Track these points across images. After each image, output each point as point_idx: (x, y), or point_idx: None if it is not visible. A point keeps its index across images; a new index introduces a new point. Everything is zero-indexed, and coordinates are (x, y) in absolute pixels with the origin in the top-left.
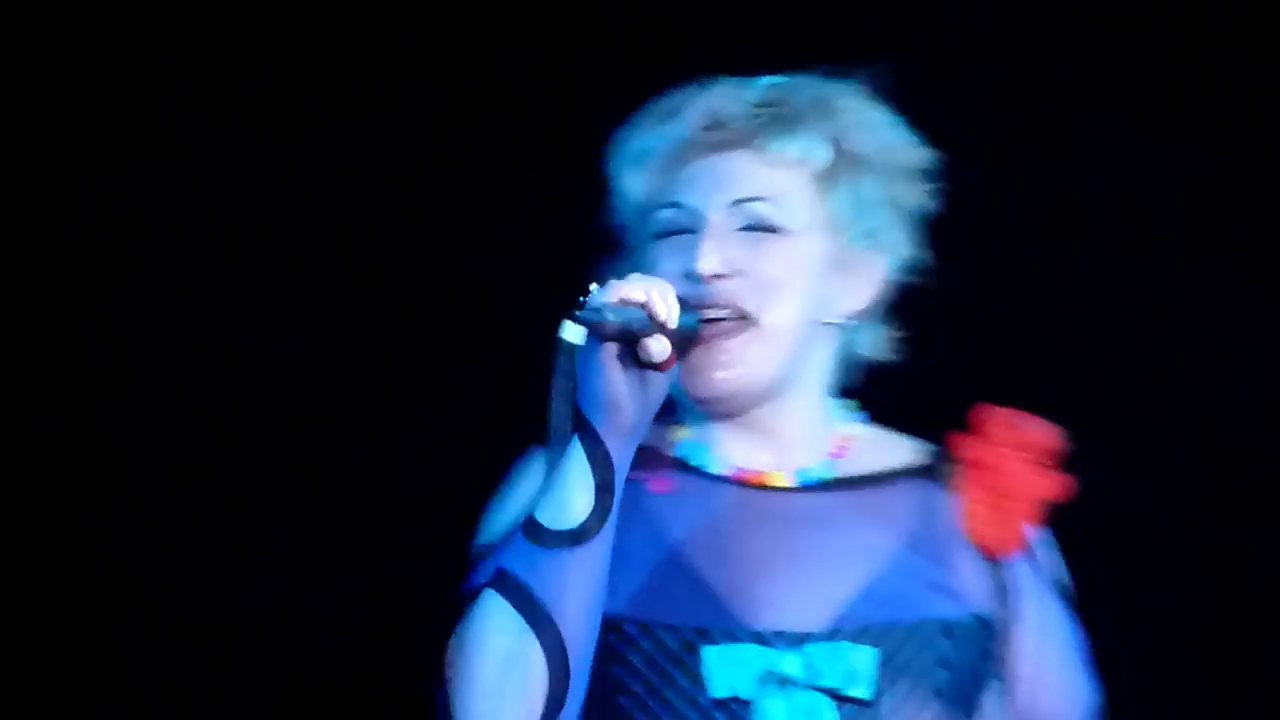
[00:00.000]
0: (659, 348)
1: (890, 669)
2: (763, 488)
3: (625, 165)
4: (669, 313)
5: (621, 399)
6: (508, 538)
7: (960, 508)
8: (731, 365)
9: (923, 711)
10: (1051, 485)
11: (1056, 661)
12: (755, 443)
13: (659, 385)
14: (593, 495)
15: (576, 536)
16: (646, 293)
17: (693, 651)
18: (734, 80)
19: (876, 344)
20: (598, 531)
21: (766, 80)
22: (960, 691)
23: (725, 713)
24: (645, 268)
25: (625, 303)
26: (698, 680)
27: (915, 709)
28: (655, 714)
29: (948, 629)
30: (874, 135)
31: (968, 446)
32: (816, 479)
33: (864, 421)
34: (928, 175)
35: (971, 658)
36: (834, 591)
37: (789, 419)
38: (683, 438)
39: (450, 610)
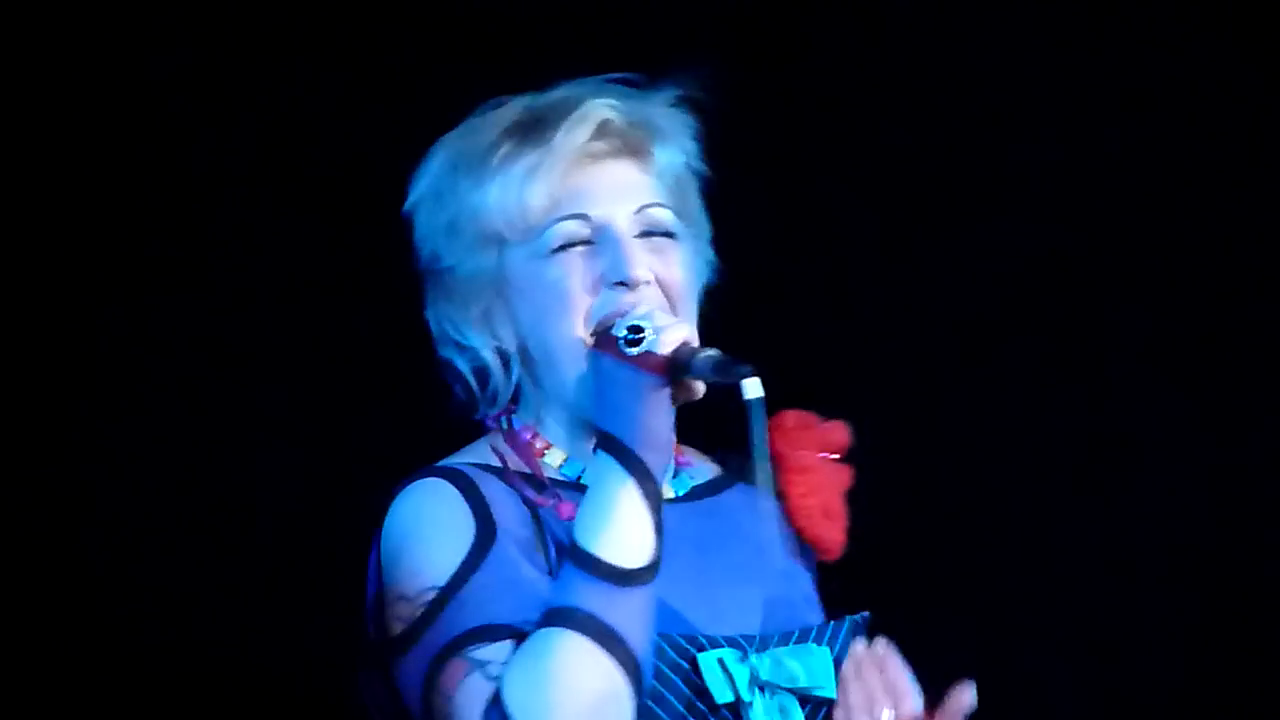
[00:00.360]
0: (753, 383)
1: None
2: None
3: (497, 180)
4: (703, 350)
5: (666, 435)
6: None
7: (796, 513)
8: None
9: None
10: (848, 478)
11: None
12: None
13: (673, 415)
14: (653, 530)
15: (648, 574)
16: (691, 332)
17: (686, 658)
18: (582, 86)
19: None
20: (660, 562)
21: (614, 86)
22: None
23: (719, 718)
24: (545, 282)
25: (685, 342)
26: (691, 686)
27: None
28: None
29: (858, 626)
30: (693, 141)
31: (781, 445)
32: (690, 486)
33: None
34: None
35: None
36: (755, 595)
37: None
38: (560, 459)
39: (435, 649)
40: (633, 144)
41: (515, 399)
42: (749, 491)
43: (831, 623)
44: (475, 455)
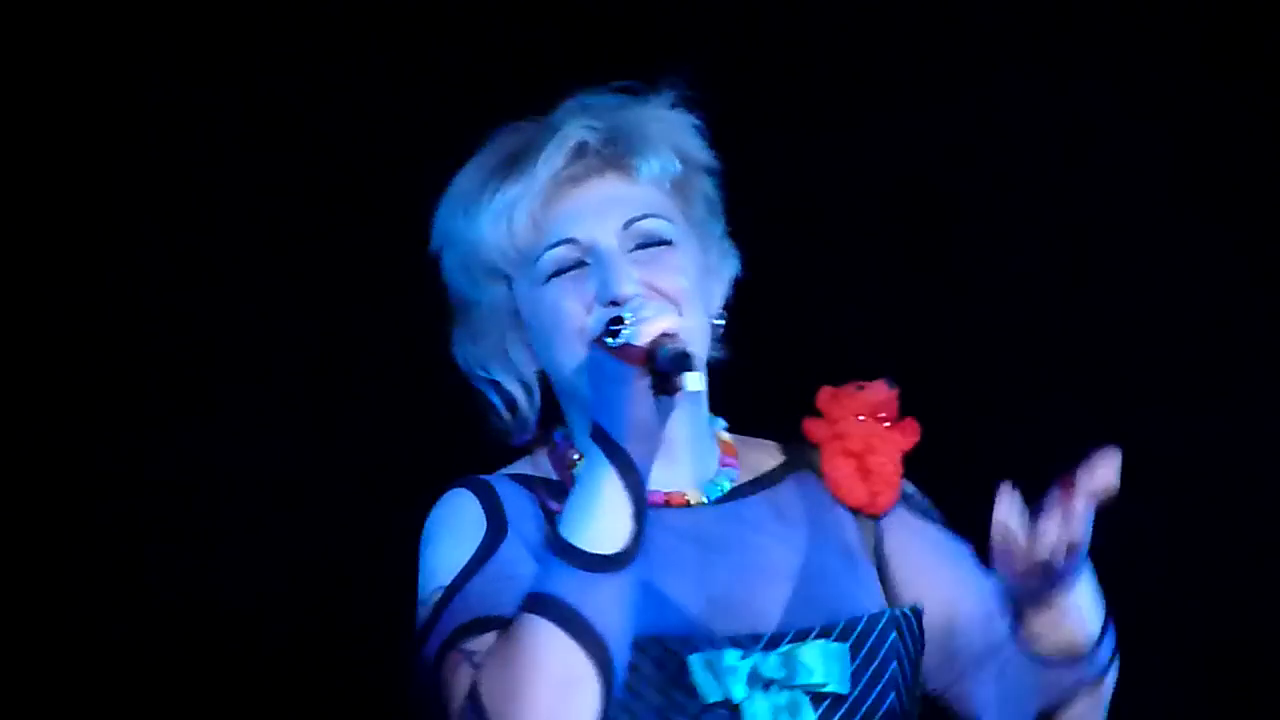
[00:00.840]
0: (694, 378)
1: (858, 663)
2: (681, 506)
3: (489, 218)
4: (687, 345)
5: (652, 425)
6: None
7: (829, 481)
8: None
9: (884, 702)
10: (902, 435)
11: (958, 576)
12: (658, 461)
13: (668, 411)
14: (631, 519)
15: (621, 560)
16: (679, 326)
17: (679, 660)
18: (566, 109)
19: (715, 345)
20: (636, 554)
21: (585, 101)
22: (909, 681)
23: (714, 717)
24: (544, 309)
25: (667, 335)
26: (686, 687)
27: (878, 700)
28: None
29: (895, 621)
30: (697, 141)
31: (818, 426)
32: (721, 491)
33: (725, 429)
34: (716, 174)
35: (916, 647)
36: (780, 594)
37: (686, 431)
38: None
39: (437, 646)
40: (615, 159)
41: (561, 415)
42: (805, 480)
43: (862, 618)
44: (514, 467)
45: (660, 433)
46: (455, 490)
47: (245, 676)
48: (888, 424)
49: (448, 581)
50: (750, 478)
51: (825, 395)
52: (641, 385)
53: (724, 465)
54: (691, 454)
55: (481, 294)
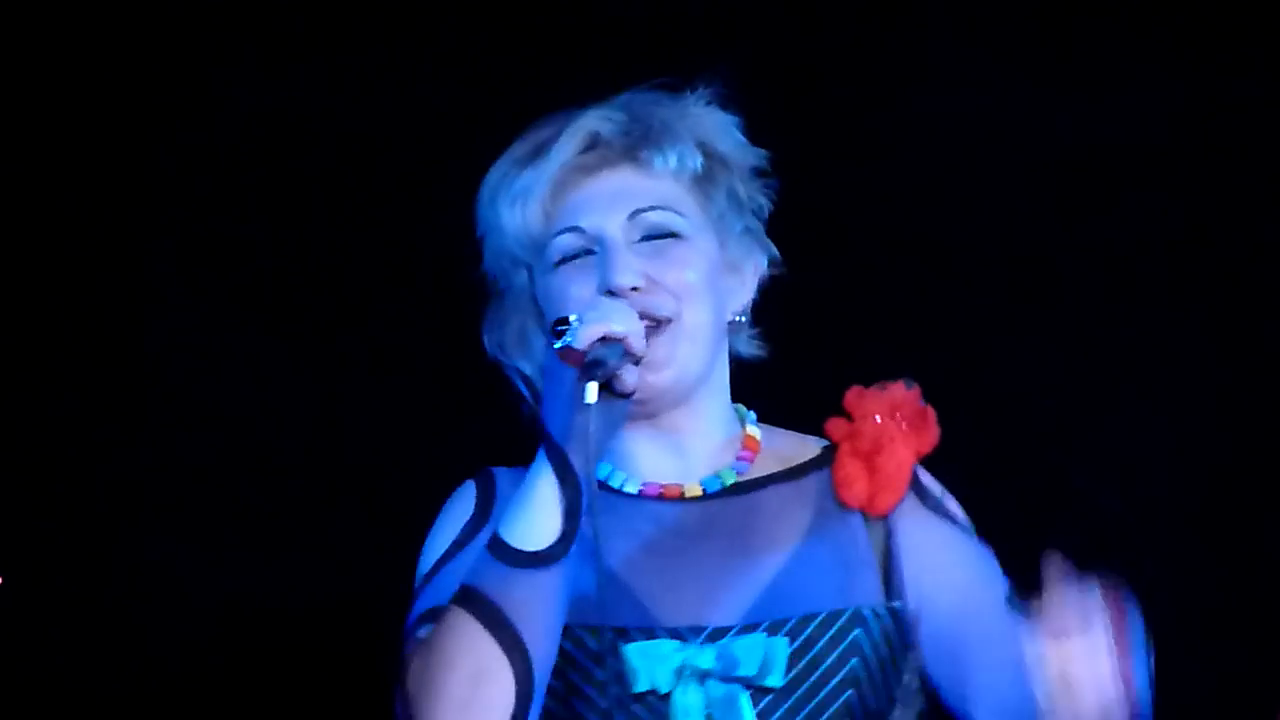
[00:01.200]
0: (633, 379)
1: (803, 659)
2: (676, 499)
3: (506, 205)
4: (643, 345)
5: (594, 426)
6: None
7: (835, 480)
8: (664, 365)
9: (838, 699)
10: (920, 437)
11: (969, 577)
12: (665, 453)
13: (620, 411)
14: (561, 519)
15: (545, 558)
16: (626, 328)
17: (613, 650)
18: (591, 106)
19: (750, 342)
20: (565, 553)
21: (623, 98)
22: (877, 678)
23: (644, 706)
24: (552, 295)
25: (609, 339)
26: (619, 676)
27: (830, 696)
28: (577, 710)
29: (859, 618)
30: (730, 137)
31: (838, 426)
32: (724, 484)
33: (755, 423)
34: (764, 174)
35: (888, 645)
36: (748, 588)
37: (701, 423)
38: None
39: (407, 630)
40: (629, 151)
41: None
42: (825, 479)
43: (819, 614)
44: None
45: (608, 433)
46: (466, 482)
47: (251, 676)
48: (904, 424)
49: (428, 569)
50: (768, 471)
51: (852, 395)
52: (582, 386)
53: (739, 459)
54: (702, 443)
55: (507, 280)
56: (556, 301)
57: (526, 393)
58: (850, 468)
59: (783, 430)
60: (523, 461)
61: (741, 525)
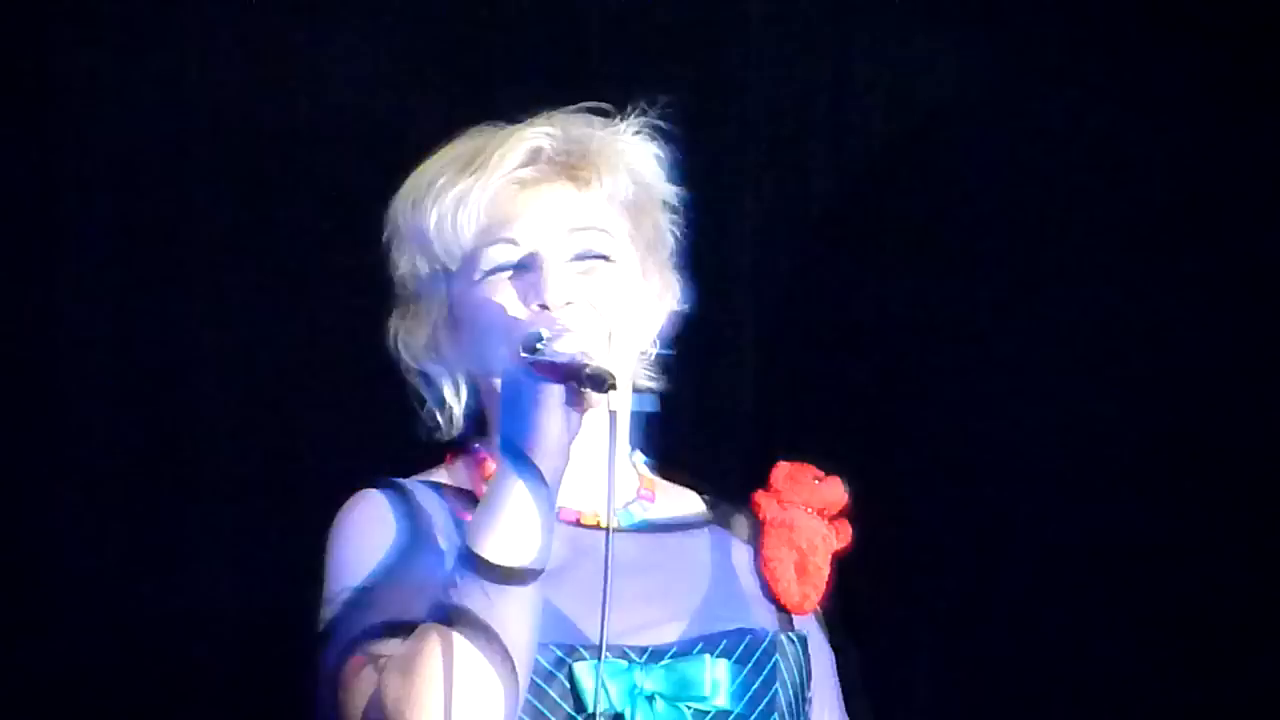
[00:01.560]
0: (618, 397)
1: (742, 680)
2: (594, 527)
3: (437, 210)
4: (612, 361)
5: (562, 439)
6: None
7: (766, 568)
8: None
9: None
10: (841, 538)
11: (822, 686)
12: (572, 482)
13: (578, 424)
14: (540, 533)
15: (530, 573)
16: (597, 344)
17: (563, 668)
18: (533, 119)
19: (643, 375)
20: (544, 566)
21: (558, 116)
22: (793, 706)
23: None
24: (477, 305)
25: (587, 353)
26: (569, 696)
27: (763, 718)
28: None
29: (777, 643)
30: (656, 169)
31: (767, 503)
32: (631, 519)
33: (652, 468)
34: (677, 209)
35: (797, 674)
36: (674, 612)
37: (602, 454)
38: None
39: (336, 654)
40: (570, 169)
41: (480, 426)
42: (723, 540)
43: (746, 634)
44: (430, 474)
45: (568, 446)
46: (366, 491)
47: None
48: (832, 525)
49: (356, 583)
50: (665, 518)
51: (781, 472)
52: (555, 401)
53: (640, 496)
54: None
55: (422, 286)
56: (479, 312)
57: (432, 401)
58: (786, 561)
59: (665, 480)
60: (405, 468)
61: (657, 560)
